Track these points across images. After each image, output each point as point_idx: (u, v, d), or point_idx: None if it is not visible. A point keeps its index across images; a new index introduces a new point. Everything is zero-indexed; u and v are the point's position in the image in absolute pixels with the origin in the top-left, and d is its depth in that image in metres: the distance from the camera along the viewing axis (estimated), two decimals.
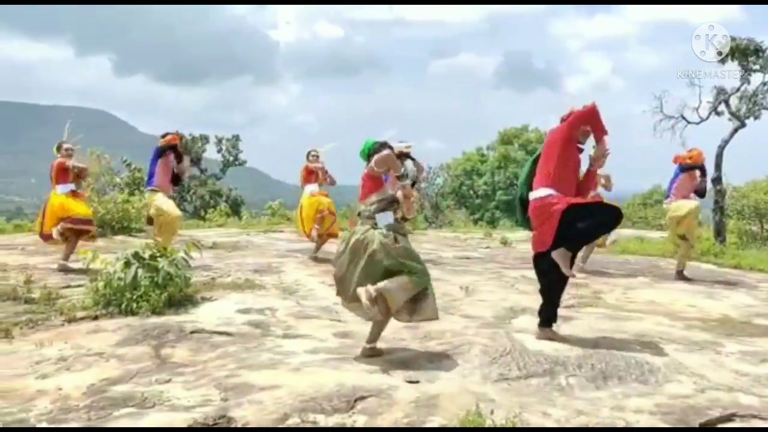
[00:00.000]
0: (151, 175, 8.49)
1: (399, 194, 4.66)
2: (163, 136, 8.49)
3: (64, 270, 7.61)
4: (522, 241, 14.30)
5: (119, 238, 11.06)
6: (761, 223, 14.79)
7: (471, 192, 43.28)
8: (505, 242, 13.35)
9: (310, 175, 9.49)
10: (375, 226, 4.53)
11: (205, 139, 32.35)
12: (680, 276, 8.78)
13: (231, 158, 33.49)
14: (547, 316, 5.24)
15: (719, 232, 13.33)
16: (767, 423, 3.73)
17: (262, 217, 19.59)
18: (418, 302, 4.56)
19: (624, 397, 4.04)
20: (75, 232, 7.78)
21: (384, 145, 4.73)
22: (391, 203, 4.61)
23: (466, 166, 44.13)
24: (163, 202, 8.26)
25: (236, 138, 33.72)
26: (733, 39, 12.65)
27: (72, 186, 7.95)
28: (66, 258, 7.75)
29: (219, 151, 33.20)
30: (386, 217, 4.57)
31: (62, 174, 7.91)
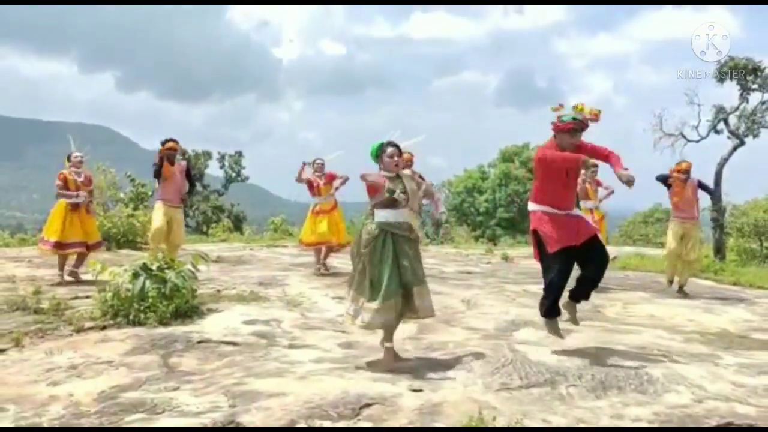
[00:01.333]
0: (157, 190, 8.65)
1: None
2: (163, 144, 8.58)
3: (74, 277, 7.82)
4: (523, 257, 14.42)
5: (124, 251, 11.17)
6: (761, 241, 14.86)
7: (472, 209, 43.44)
8: (506, 258, 13.45)
9: (310, 188, 9.56)
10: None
11: (207, 155, 32.58)
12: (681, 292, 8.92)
13: (233, 174, 33.71)
14: (547, 308, 5.33)
15: (719, 250, 13.42)
16: None
17: (264, 233, 19.72)
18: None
19: (623, 406, 4.12)
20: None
21: (390, 143, 4.91)
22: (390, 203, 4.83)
23: (467, 183, 44.32)
24: (154, 214, 8.51)
25: (239, 154, 33.95)
26: (731, 58, 12.83)
27: (77, 197, 8.06)
28: (77, 266, 8.01)
29: (222, 167, 33.43)
30: (382, 215, 4.81)
31: (66, 183, 8.08)
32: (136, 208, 14.51)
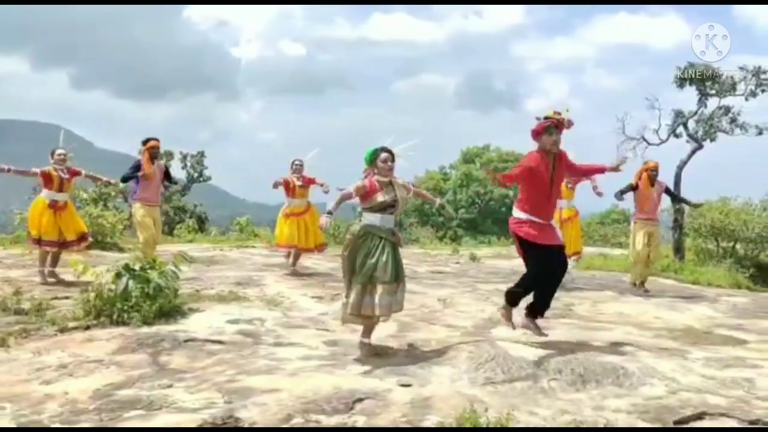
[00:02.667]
0: (134, 190, 8.64)
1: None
2: (144, 143, 8.60)
3: (53, 277, 7.79)
4: (489, 257, 14.69)
5: (94, 252, 11.07)
6: (717, 241, 15.37)
7: (434, 210, 43.78)
8: (473, 258, 13.68)
9: (286, 188, 9.58)
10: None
11: (169, 155, 32.19)
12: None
13: (195, 174, 33.38)
14: (514, 296, 5.61)
15: (678, 249, 13.87)
16: (734, 421, 4.05)
17: (230, 234, 19.65)
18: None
19: (602, 398, 4.33)
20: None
21: (384, 149, 5.15)
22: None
23: (428, 184, 44.60)
24: (139, 218, 8.64)
25: (201, 154, 33.61)
26: (691, 65, 13.29)
27: (56, 195, 8.02)
28: (52, 266, 7.96)
29: (184, 167, 33.05)
30: (369, 219, 5.08)
31: (47, 181, 8.03)
32: (105, 208, 14.38)
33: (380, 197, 5.01)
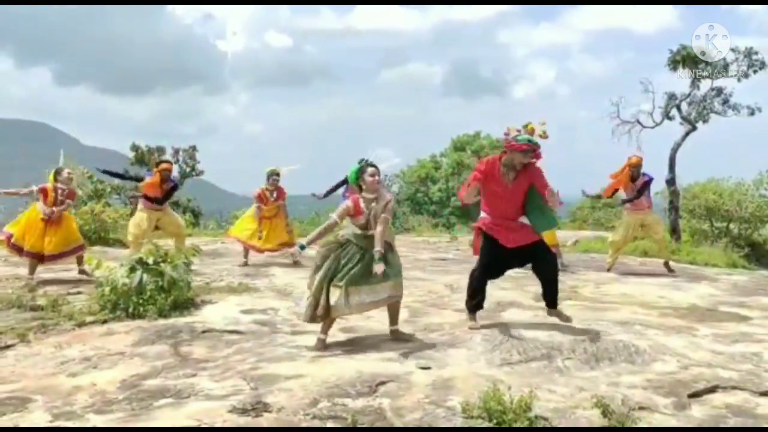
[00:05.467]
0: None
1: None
2: (157, 165, 9.10)
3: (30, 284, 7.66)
4: None
5: (96, 248, 11.11)
6: (711, 222, 15.53)
7: (426, 198, 43.90)
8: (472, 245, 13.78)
9: (259, 200, 9.73)
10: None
11: (161, 150, 32.15)
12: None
13: (188, 169, 33.35)
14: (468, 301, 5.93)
15: (674, 230, 14.03)
16: (747, 393, 4.19)
17: (227, 227, 19.66)
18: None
19: (617, 375, 4.46)
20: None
21: (369, 164, 5.16)
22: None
23: (420, 173, 44.71)
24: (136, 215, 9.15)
25: (193, 149, 33.55)
26: (684, 47, 13.44)
27: (49, 209, 7.94)
28: (30, 273, 7.94)
29: (176, 162, 33.01)
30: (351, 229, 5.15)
31: (44, 195, 8.01)
32: (107, 204, 14.43)
33: (363, 219, 5.06)
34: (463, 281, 8.25)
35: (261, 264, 9.65)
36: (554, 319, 5.64)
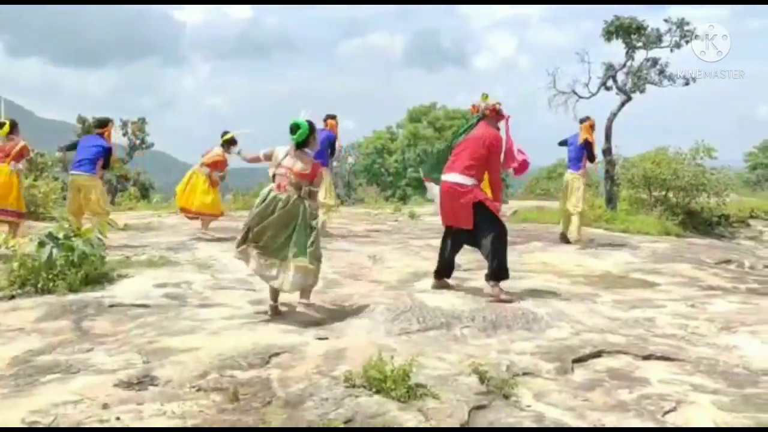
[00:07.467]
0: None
1: None
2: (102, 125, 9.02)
3: None
4: (428, 215, 14.91)
5: (26, 222, 10.90)
6: (649, 191, 15.83)
7: (382, 170, 43.95)
8: (412, 216, 13.91)
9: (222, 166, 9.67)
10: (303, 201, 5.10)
11: (108, 122, 31.57)
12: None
13: (137, 142, 32.82)
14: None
15: (610, 200, 14.28)
16: (630, 357, 4.34)
17: (173, 200, 19.49)
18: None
19: (510, 342, 4.58)
20: None
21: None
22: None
23: (376, 144, 44.67)
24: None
25: (142, 121, 33.02)
26: (617, 18, 13.56)
27: None
28: None
29: (125, 134, 32.44)
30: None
31: None
32: (35, 179, 14.12)
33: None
34: (388, 252, 8.38)
35: (188, 237, 9.58)
36: (460, 289, 5.75)
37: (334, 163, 13.89)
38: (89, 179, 8.66)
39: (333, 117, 9.94)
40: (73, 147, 9.58)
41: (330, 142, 9.57)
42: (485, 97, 6.00)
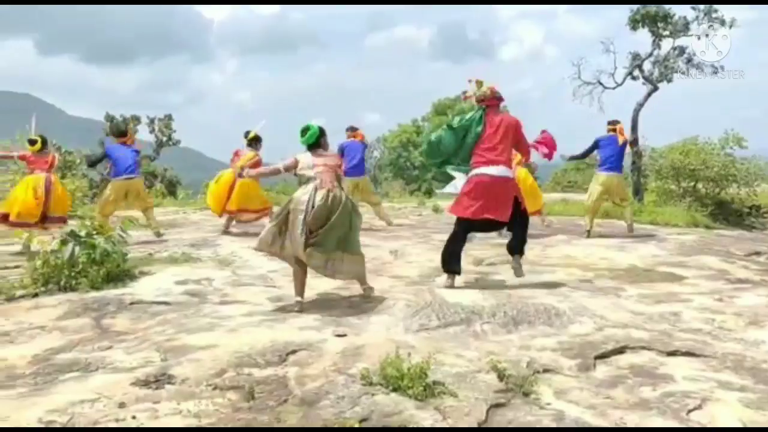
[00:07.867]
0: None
1: None
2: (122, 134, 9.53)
3: None
4: None
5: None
6: (678, 182, 15.59)
7: (408, 163, 43.82)
8: (436, 209, 13.82)
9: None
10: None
11: (136, 119, 31.86)
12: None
13: (164, 138, 33.09)
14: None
15: (637, 191, 14.08)
16: (653, 353, 4.24)
17: (199, 196, 19.61)
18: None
19: (531, 338, 4.49)
20: None
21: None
22: None
23: (402, 138, 44.55)
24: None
25: (169, 117, 33.28)
26: (643, 6, 13.33)
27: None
28: None
29: (152, 131, 32.75)
30: None
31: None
32: (63, 177, 14.29)
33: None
34: (410, 247, 8.33)
35: (211, 234, 9.61)
36: (481, 284, 5.68)
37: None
38: (140, 180, 9.55)
39: (355, 129, 10.66)
40: (98, 161, 10.79)
41: (364, 150, 10.26)
42: (480, 84, 5.97)
